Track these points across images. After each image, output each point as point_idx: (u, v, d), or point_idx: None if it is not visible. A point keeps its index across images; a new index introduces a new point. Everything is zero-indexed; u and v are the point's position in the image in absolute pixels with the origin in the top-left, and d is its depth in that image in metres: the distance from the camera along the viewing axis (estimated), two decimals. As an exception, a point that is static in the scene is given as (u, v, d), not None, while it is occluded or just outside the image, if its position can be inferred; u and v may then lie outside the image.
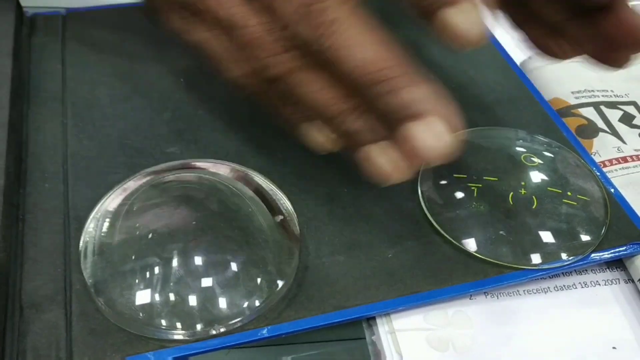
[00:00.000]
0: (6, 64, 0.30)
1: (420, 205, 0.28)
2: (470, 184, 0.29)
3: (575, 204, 0.28)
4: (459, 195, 0.28)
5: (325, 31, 0.21)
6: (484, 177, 0.29)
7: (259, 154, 0.29)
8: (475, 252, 0.26)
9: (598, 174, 0.30)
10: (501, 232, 0.27)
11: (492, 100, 0.34)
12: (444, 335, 0.25)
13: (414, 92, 0.20)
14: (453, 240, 0.27)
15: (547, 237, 0.27)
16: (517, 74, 0.36)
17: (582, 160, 0.31)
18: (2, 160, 0.26)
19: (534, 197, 0.28)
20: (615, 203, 0.29)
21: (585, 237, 0.27)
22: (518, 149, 0.30)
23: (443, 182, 0.29)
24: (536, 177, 0.29)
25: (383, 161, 0.22)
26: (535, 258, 0.26)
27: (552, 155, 0.31)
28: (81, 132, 0.29)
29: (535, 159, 0.30)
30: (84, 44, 0.34)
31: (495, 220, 0.27)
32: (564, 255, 0.26)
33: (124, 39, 0.35)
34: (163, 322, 0.23)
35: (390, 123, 0.21)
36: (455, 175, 0.29)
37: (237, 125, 0.31)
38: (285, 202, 0.27)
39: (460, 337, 0.25)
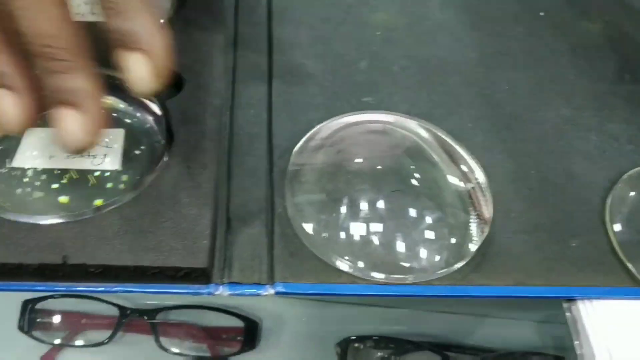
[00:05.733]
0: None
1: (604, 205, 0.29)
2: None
3: None
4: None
5: None
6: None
7: (450, 119, 0.31)
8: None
9: None
10: None
11: None
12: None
13: (72, 80, 0.21)
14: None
15: None
16: None
17: None
18: (219, 82, 0.30)
19: None
20: None
21: None
22: None
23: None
24: None
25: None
26: None
27: None
28: (283, 67, 0.32)
29: None
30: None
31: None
32: None
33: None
34: (359, 261, 0.25)
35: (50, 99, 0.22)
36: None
37: (430, 86, 0.32)
38: (476, 171, 0.29)
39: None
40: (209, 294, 0.24)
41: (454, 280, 0.26)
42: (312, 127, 0.29)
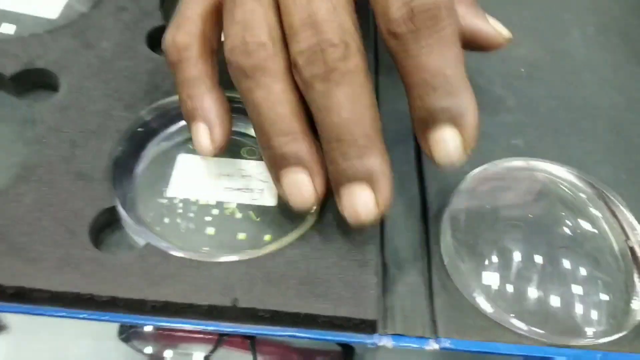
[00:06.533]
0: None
1: None
2: None
3: None
4: None
5: (329, 78, 0.23)
6: None
7: (603, 168, 0.30)
8: None
9: None
10: None
11: None
12: None
13: (368, 162, 0.23)
14: None
15: None
16: None
17: None
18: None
19: None
20: None
21: None
22: None
23: None
24: None
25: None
26: None
27: None
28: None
29: None
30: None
31: None
32: None
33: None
34: (524, 318, 0.24)
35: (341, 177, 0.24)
36: None
37: (579, 131, 0.31)
38: (638, 228, 0.28)
39: None
40: (373, 344, 0.24)
41: (619, 347, 0.25)
42: (463, 170, 0.28)
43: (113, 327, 0.41)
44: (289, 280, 0.24)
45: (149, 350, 0.41)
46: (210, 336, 0.41)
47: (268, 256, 0.24)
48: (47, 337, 0.40)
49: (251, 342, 0.41)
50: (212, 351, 0.41)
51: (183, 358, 0.42)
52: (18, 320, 0.41)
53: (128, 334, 0.41)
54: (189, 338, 0.42)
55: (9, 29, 0.34)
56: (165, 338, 0.42)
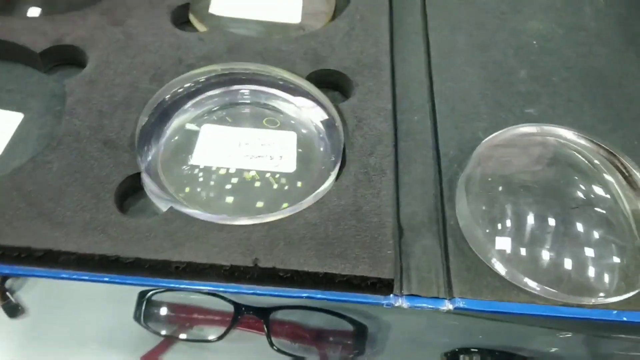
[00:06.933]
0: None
1: None
2: None
3: None
4: None
5: None
6: None
7: (614, 134, 0.30)
8: None
9: None
10: None
11: None
12: None
13: None
14: None
15: None
16: None
17: None
18: (388, 86, 0.30)
19: None
20: None
21: None
22: None
23: None
24: None
25: None
26: None
27: None
28: (444, 73, 0.32)
29: None
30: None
31: None
32: None
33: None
34: (538, 279, 0.24)
35: None
36: None
37: (592, 99, 0.32)
38: (649, 192, 0.28)
39: None
40: (389, 305, 0.25)
41: (631, 305, 0.25)
42: (478, 136, 0.29)
43: (129, 309, 0.42)
44: (308, 242, 0.25)
45: (163, 331, 0.42)
46: (224, 318, 0.42)
47: (288, 219, 0.25)
48: (62, 319, 0.41)
49: (265, 323, 0.41)
50: (226, 332, 0.41)
51: (197, 339, 0.43)
52: (35, 304, 0.42)
53: (143, 316, 0.42)
54: (203, 320, 0.43)
55: (34, 12, 0.35)
56: (180, 319, 0.43)
